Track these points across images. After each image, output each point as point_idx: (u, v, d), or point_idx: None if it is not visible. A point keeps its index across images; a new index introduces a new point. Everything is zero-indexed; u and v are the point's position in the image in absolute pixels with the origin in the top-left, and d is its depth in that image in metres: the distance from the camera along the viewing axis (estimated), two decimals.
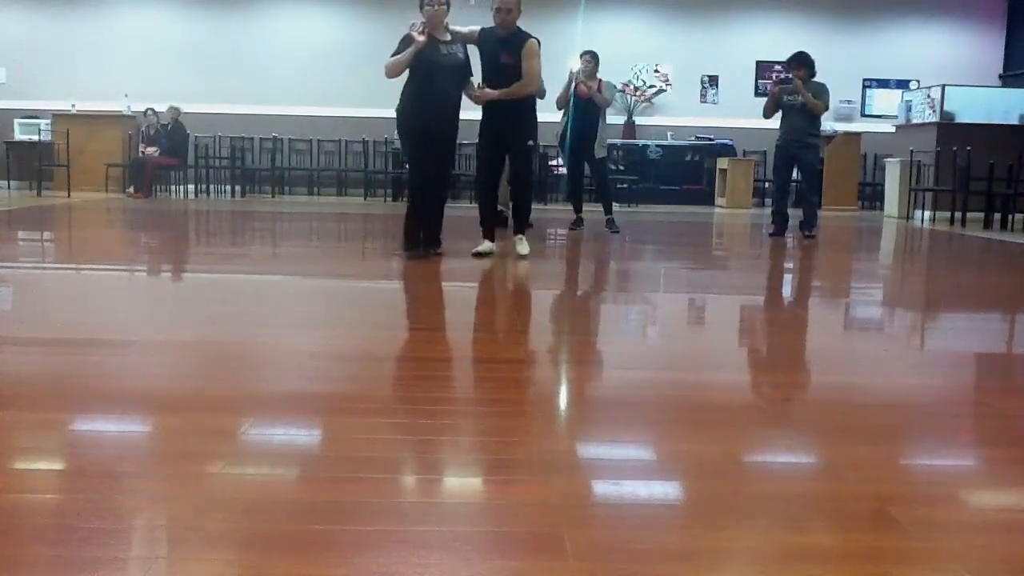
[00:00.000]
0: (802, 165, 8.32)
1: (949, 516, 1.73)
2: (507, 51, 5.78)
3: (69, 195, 12.13)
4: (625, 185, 12.92)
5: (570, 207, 8.86)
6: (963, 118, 11.26)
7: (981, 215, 10.10)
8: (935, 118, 11.38)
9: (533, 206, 9.46)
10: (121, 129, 13.34)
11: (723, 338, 3.64)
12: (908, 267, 6.74)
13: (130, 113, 13.40)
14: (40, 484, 1.83)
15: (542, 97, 8.68)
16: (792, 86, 8.09)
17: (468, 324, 3.92)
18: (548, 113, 8.93)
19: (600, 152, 8.47)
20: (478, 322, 4.01)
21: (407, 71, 5.59)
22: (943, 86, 11.47)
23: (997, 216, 10.13)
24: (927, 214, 10.91)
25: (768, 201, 10.75)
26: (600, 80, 8.31)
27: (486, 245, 5.94)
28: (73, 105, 13.29)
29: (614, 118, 11.65)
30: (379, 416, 2.31)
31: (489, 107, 5.86)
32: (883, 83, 14.28)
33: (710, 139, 13.92)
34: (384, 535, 1.57)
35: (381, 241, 6.49)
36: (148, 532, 1.58)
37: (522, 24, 5.89)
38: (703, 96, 14.36)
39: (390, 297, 4.63)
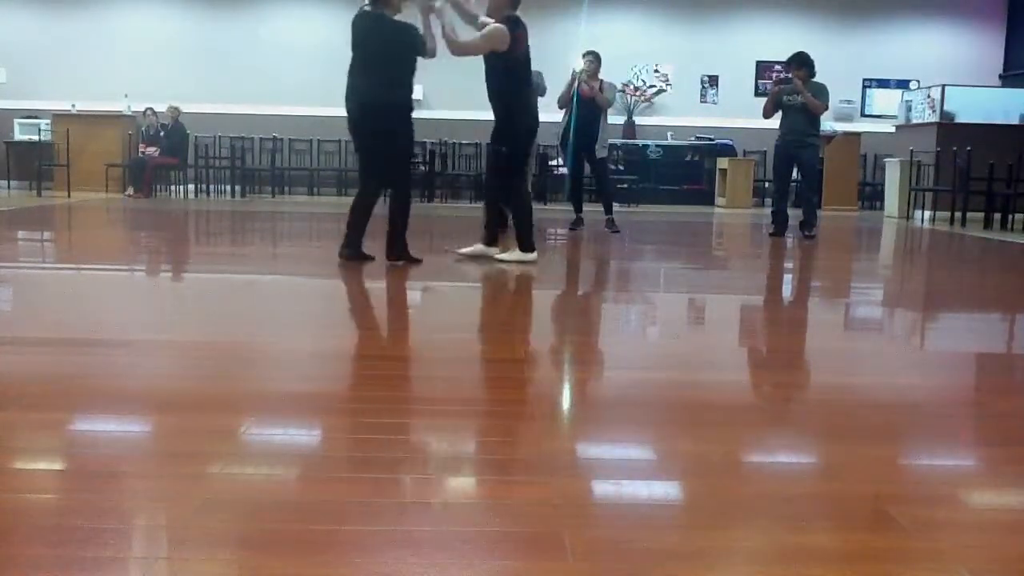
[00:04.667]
0: (802, 165, 8.32)
1: (949, 516, 1.73)
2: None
3: (69, 195, 12.13)
4: (625, 185, 12.92)
5: (570, 207, 8.86)
6: (963, 118, 11.26)
7: (981, 215, 10.10)
8: (935, 118, 11.38)
9: (533, 205, 9.47)
10: (121, 129, 13.34)
11: (723, 338, 3.64)
12: (908, 267, 6.74)
13: (130, 113, 13.40)
14: (40, 484, 1.83)
15: (542, 95, 8.68)
16: (792, 86, 8.09)
17: (468, 324, 3.92)
18: (550, 113, 8.95)
19: (601, 152, 8.47)
20: (478, 322, 4.01)
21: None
22: (943, 86, 11.47)
23: (997, 216, 10.13)
24: (927, 214, 10.91)
25: (768, 201, 10.75)
26: (602, 80, 8.32)
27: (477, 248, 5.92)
28: (73, 105, 13.29)
29: (614, 118, 11.65)
30: (379, 416, 2.31)
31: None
32: (883, 83, 14.28)
33: (710, 139, 13.93)
34: (384, 535, 1.57)
35: (381, 241, 6.47)
36: (148, 532, 1.58)
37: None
38: (703, 96, 14.37)
39: (390, 297, 4.63)
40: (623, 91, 13.26)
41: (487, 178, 6.15)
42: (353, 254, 5.44)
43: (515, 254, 5.71)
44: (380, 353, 3.19)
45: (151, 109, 12.95)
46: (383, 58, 5.25)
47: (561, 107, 8.46)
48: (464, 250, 5.93)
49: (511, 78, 5.55)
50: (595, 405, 2.56)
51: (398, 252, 5.42)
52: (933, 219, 10.70)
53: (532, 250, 5.69)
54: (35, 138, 13.15)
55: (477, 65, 5.67)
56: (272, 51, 13.90)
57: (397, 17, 5.43)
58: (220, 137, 13.62)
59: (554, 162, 13.06)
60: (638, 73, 13.93)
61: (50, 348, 3.05)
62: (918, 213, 11.19)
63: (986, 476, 2.01)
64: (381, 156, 5.38)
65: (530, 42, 8.76)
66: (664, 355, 3.30)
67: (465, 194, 13.55)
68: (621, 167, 13.36)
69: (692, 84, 14.31)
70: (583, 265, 6.23)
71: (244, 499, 1.72)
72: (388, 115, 5.27)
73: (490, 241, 5.97)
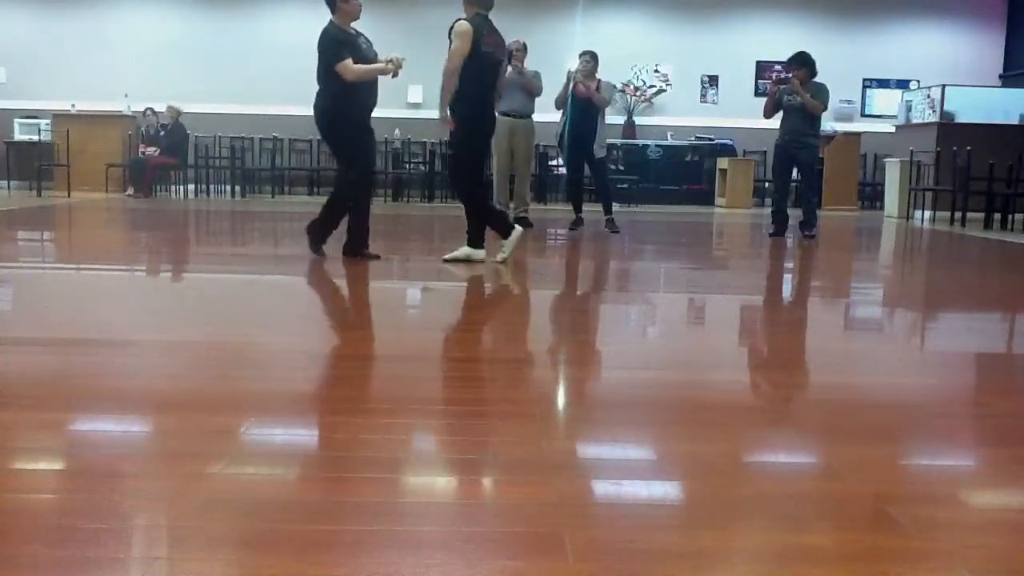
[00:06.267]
0: (801, 165, 8.32)
1: (949, 516, 1.73)
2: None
3: (69, 195, 12.13)
4: (625, 185, 12.92)
5: (570, 207, 8.86)
6: (963, 118, 11.27)
7: (981, 215, 10.10)
8: (935, 118, 11.38)
9: (532, 205, 9.49)
10: (121, 129, 13.34)
11: (723, 338, 3.64)
12: (908, 267, 6.74)
13: (130, 113, 13.40)
14: (40, 484, 1.83)
15: (538, 95, 8.70)
16: (790, 86, 8.10)
17: (467, 324, 3.92)
18: (547, 113, 8.95)
19: (599, 152, 8.47)
20: (478, 323, 4.01)
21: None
22: (943, 86, 11.47)
23: (997, 216, 10.13)
24: (927, 214, 10.91)
25: (768, 201, 10.75)
26: (599, 80, 8.32)
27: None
28: (73, 105, 13.28)
29: (614, 118, 11.65)
30: (379, 416, 2.31)
31: None
32: (883, 83, 14.29)
33: (710, 139, 13.93)
34: (384, 535, 1.57)
35: (383, 241, 6.48)
36: (148, 532, 1.58)
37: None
38: (703, 96, 14.37)
39: (390, 297, 4.63)
40: (623, 91, 13.26)
41: (450, 180, 6.11)
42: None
43: (463, 251, 5.55)
44: (380, 353, 3.19)
45: (151, 109, 12.95)
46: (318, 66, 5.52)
47: (558, 107, 8.46)
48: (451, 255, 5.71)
49: (466, 78, 5.39)
50: (595, 405, 2.56)
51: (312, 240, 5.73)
52: (933, 219, 10.70)
53: (480, 246, 5.54)
54: (35, 138, 13.15)
55: None
56: (272, 51, 13.89)
57: (354, 24, 5.56)
58: (220, 137, 13.62)
59: (554, 162, 13.06)
60: (638, 73, 13.93)
61: (50, 348, 3.05)
62: (918, 213, 11.19)
63: (986, 476, 2.01)
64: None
65: (528, 42, 8.77)
66: (664, 355, 3.30)
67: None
68: (621, 167, 13.36)
69: (692, 84, 14.31)
70: (583, 265, 6.23)
71: (244, 499, 1.72)
72: (318, 120, 5.58)
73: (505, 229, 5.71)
